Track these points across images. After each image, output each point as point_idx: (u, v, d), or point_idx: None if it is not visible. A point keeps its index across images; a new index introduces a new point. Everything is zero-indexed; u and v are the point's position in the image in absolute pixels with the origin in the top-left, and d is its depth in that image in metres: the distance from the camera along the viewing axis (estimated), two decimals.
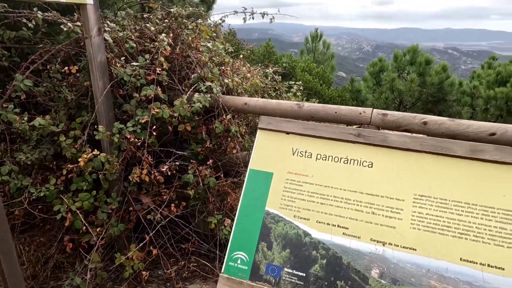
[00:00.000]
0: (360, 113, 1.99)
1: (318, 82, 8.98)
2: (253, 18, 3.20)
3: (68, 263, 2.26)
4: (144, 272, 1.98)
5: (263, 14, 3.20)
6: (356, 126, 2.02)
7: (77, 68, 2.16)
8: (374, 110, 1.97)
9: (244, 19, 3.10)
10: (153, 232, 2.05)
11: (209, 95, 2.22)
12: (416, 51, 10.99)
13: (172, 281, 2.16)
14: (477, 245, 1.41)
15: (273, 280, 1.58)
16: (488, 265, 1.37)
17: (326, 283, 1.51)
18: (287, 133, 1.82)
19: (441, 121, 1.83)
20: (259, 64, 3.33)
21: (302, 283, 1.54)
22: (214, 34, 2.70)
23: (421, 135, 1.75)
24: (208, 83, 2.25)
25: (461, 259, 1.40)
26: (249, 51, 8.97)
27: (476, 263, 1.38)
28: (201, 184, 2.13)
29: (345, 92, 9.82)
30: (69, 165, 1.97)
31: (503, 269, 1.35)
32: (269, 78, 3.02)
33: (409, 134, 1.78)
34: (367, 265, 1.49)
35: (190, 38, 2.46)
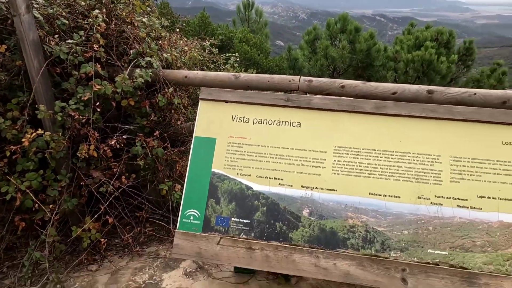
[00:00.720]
0: (290, 81, 2.25)
1: (255, 52, 9.15)
2: None
3: (21, 244, 2.30)
4: (102, 240, 2.12)
5: None
6: (286, 92, 2.29)
7: (5, 47, 2.10)
8: (301, 77, 2.24)
9: None
10: (107, 203, 2.17)
11: (150, 70, 2.31)
12: (346, 19, 11.59)
13: (130, 247, 2.33)
14: (381, 182, 1.78)
15: (223, 229, 1.83)
16: (389, 196, 1.75)
17: (267, 225, 1.81)
18: (227, 101, 2.02)
19: (355, 84, 2.16)
20: (196, 37, 3.41)
21: (248, 228, 1.82)
22: (149, 9, 2.73)
23: (339, 97, 2.06)
24: (147, 58, 2.33)
25: (369, 193, 1.77)
26: (184, 24, 8.78)
27: (380, 195, 1.76)
28: (149, 154, 2.27)
29: (282, 62, 10.14)
30: (12, 147, 1.98)
31: (399, 197, 1.75)
32: (206, 51, 3.14)
33: (330, 96, 2.09)
34: (299, 207, 1.81)
35: (124, 13, 2.47)
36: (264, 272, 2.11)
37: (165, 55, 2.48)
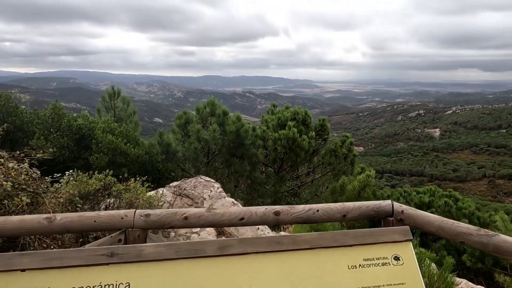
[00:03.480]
0: (122, 218, 1.86)
1: (122, 141, 8.55)
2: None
3: None
4: None
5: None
6: (119, 231, 1.88)
7: None
8: (137, 211, 1.89)
9: None
10: None
11: None
12: (214, 104, 12.21)
13: None
14: None
15: None
16: None
17: None
18: (23, 270, 1.48)
19: (199, 213, 1.92)
20: (7, 157, 2.74)
21: None
22: None
23: (177, 242, 1.76)
24: None
25: None
26: (27, 119, 7.70)
27: None
28: None
29: (153, 148, 9.74)
30: None
31: None
32: (22, 176, 2.52)
33: (164, 242, 1.77)
34: None
35: None
36: None
37: None
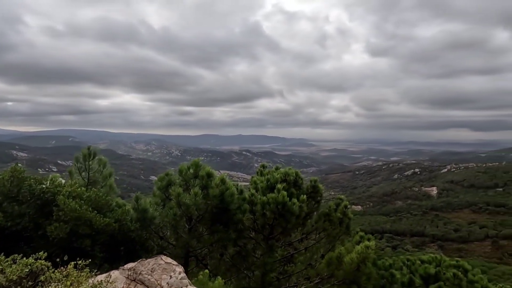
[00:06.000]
0: None
1: (87, 209, 7.60)
2: None
3: None
4: None
5: None
6: None
7: None
8: None
9: None
10: None
11: None
12: (198, 165, 11.45)
13: None
14: None
15: None
16: None
17: None
18: None
19: None
20: None
21: None
22: None
23: None
24: None
25: None
26: None
27: None
28: None
29: (126, 215, 8.74)
30: None
31: None
32: None
33: None
34: None
35: None
36: None
37: None
